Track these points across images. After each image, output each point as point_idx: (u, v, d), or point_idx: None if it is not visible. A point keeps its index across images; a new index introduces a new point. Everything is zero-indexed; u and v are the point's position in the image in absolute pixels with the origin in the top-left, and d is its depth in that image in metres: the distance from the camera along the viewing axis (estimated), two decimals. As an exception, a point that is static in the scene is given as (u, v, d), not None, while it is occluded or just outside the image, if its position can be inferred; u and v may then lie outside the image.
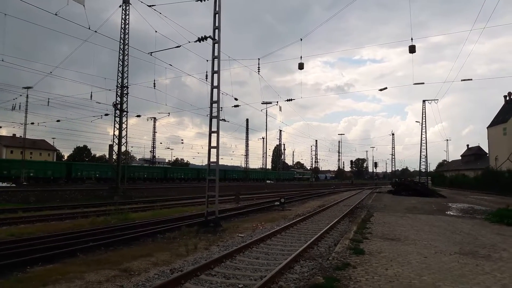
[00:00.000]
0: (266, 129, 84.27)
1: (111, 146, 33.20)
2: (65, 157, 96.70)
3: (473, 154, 79.05)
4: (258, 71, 23.98)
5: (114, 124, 30.98)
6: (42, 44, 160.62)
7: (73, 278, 7.27)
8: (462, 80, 34.80)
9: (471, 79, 25.44)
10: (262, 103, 37.00)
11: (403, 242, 11.05)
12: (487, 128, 60.96)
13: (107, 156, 77.96)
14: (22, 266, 8.25)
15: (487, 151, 66.16)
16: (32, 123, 44.68)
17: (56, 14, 16.00)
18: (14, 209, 19.34)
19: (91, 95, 32.56)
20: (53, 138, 78.38)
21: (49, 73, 28.30)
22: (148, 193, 35.16)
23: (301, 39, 23.53)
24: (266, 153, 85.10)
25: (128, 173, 45.63)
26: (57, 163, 55.25)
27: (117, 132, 30.93)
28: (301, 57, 23.09)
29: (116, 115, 30.88)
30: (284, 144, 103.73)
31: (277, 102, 45.16)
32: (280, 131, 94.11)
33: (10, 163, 42.49)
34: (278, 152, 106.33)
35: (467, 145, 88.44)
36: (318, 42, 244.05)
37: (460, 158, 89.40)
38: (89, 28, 18.43)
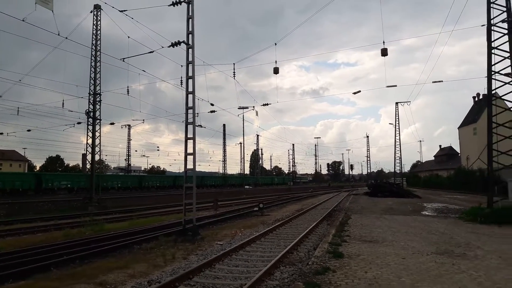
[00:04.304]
0: (244, 134, 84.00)
1: (84, 155, 32.50)
2: (37, 168, 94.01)
3: (446, 154, 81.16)
4: (234, 76, 23.96)
5: (87, 132, 30.33)
6: (10, 51, 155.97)
7: (45, 295, 7.00)
8: (433, 82, 35.75)
9: (442, 81, 26.27)
10: (238, 108, 37.18)
11: (381, 244, 11.16)
12: (458, 128, 62.71)
13: (81, 165, 76.23)
14: (-9, 284, 7.90)
15: (458, 151, 68.01)
16: (1, 133, 43.45)
17: (23, 20, 15.54)
18: (-18, 223, 18.60)
19: (63, 103, 31.83)
20: (24, 148, 76.14)
21: (18, 81, 27.46)
22: (124, 202, 34.46)
23: (276, 44, 23.71)
24: (244, 158, 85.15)
25: (47, 183, 41.01)
26: None
27: (90, 141, 30.28)
28: (276, 62, 23.28)
29: (89, 123, 30.24)
30: (261, 149, 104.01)
31: (254, 107, 45.27)
32: (258, 135, 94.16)
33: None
34: (256, 157, 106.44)
35: (440, 146, 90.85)
36: (293, 46, 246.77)
37: (433, 158, 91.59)
38: (58, 34, 17.97)
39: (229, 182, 76.29)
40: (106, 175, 60.23)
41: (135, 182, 55.30)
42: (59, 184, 42.13)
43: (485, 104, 23.56)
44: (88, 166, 30.95)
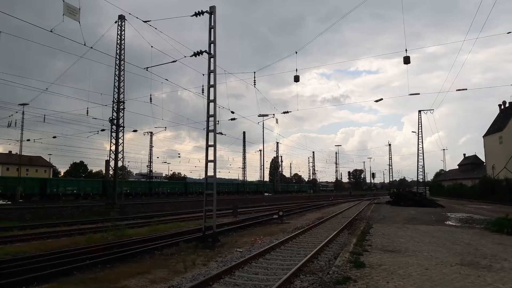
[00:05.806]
0: (263, 142, 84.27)
1: (107, 162, 33.21)
2: (62, 173, 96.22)
3: (470, 163, 79.25)
4: (254, 84, 24.05)
5: (111, 139, 30.95)
6: (37, 61, 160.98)
7: (69, 298, 7.13)
8: (457, 90, 35.06)
9: (466, 89, 25.68)
10: (258, 116, 37.21)
11: (403, 254, 10.96)
12: (483, 137, 61.20)
13: (104, 171, 77.58)
14: (18, 286, 8.09)
15: (483, 160, 66.31)
16: (28, 140, 44.85)
17: (51, 31, 16.00)
18: (9, 227, 19.09)
19: (87, 110, 32.59)
20: (50, 154, 78.07)
21: (45, 90, 28.30)
22: (145, 208, 34.89)
23: (296, 52, 23.74)
24: (263, 165, 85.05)
25: (111, 188, 44.86)
26: None
27: (113, 147, 30.86)
28: (296, 70, 23.35)
29: (113, 130, 30.85)
30: (281, 156, 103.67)
31: (274, 114, 45.10)
32: (277, 143, 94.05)
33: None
34: (275, 164, 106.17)
35: (464, 154, 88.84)
36: (314, 54, 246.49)
37: (457, 167, 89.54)
38: (84, 44, 18.44)
39: (260, 190, 79.86)
40: (158, 181, 69.02)
41: (182, 188, 62.93)
42: (121, 190, 46.40)
43: (512, 112, 22.94)
44: (111, 172, 31.50)
